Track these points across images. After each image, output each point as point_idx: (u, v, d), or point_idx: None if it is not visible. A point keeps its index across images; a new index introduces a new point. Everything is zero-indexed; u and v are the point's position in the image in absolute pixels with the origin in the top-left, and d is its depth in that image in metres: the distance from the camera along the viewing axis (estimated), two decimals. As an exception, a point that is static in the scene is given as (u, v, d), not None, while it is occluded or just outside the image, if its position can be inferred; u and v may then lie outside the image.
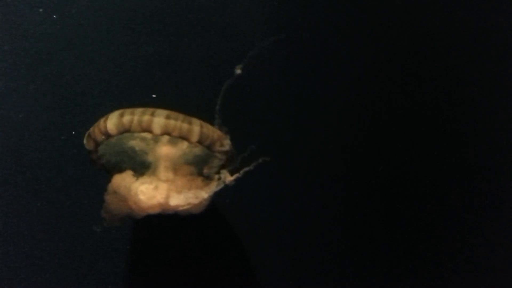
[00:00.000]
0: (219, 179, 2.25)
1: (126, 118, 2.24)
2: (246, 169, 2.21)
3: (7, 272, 2.33)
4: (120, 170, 2.55)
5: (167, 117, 2.23)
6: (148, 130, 2.23)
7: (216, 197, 2.19)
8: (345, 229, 2.28)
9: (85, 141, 2.40)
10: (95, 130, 2.32)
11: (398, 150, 2.30)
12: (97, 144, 2.37)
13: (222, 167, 2.35)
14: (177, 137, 2.26)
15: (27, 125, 2.41)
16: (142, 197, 2.28)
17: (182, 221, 2.24)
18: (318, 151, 2.36)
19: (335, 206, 2.30)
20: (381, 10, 2.44)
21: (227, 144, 2.33)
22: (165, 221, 2.27)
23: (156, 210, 2.27)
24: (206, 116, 2.40)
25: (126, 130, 2.25)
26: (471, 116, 2.29)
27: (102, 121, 2.31)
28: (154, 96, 2.41)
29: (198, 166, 2.45)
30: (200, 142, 2.28)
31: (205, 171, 2.31)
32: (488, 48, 2.31)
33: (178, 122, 2.24)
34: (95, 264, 2.34)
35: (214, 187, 2.23)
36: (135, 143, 2.44)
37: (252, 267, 2.30)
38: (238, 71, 2.35)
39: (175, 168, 2.37)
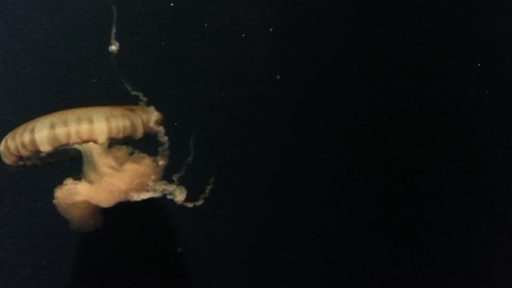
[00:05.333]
0: (174, 190, 2.16)
1: (61, 131, 1.94)
2: (204, 195, 2.18)
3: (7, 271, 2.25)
4: (52, 156, 2.26)
5: (108, 121, 1.99)
6: (91, 140, 1.98)
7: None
8: (342, 230, 2.30)
9: (2, 156, 2.06)
10: (19, 147, 1.98)
11: (396, 151, 2.29)
12: (21, 158, 2.06)
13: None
14: (122, 138, 2.07)
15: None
16: (96, 201, 2.12)
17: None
18: (314, 152, 2.30)
19: (334, 207, 2.31)
20: (381, 10, 2.28)
21: (159, 118, 2.20)
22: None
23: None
24: (206, 117, 2.26)
25: (63, 145, 1.97)
26: (471, 116, 2.30)
27: (26, 134, 1.96)
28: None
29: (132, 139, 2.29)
30: (145, 132, 2.11)
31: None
32: (488, 48, 2.26)
33: (120, 122, 2.02)
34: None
35: (167, 190, 2.15)
36: None
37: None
38: (113, 48, 2.16)
39: (114, 155, 2.19)
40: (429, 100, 2.30)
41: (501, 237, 2.32)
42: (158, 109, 2.15)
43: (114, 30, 2.16)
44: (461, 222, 2.29)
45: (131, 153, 2.21)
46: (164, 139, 2.17)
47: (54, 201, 2.11)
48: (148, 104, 2.17)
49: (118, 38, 2.16)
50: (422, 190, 2.30)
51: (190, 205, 2.16)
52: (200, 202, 2.16)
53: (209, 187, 2.19)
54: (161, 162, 2.17)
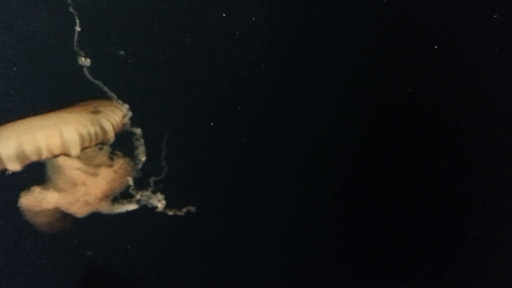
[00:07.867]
0: (153, 198, 2.07)
1: (29, 149, 1.80)
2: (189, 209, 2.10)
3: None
4: None
5: (79, 132, 1.85)
6: (63, 154, 1.85)
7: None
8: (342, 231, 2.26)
9: None
10: None
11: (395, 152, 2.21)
12: None
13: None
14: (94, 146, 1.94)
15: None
16: (70, 210, 2.03)
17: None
18: (314, 152, 2.20)
19: (333, 207, 2.24)
20: (381, 10, 2.20)
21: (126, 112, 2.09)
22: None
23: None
24: (205, 117, 2.16)
25: (33, 162, 1.84)
26: (471, 116, 2.24)
27: None
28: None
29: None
30: (116, 134, 2.00)
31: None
32: (488, 48, 2.13)
33: (91, 130, 1.89)
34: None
35: (145, 199, 2.07)
36: None
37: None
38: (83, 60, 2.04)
39: (83, 157, 2.07)
40: (429, 100, 2.28)
41: (501, 237, 2.32)
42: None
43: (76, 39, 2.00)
44: (461, 222, 2.32)
45: (101, 148, 2.09)
46: (141, 142, 2.07)
47: (19, 206, 2.00)
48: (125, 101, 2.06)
49: (117, 38, 2.11)
50: (422, 190, 2.30)
51: (170, 212, 2.10)
52: (181, 213, 2.11)
53: (191, 208, 2.14)
54: (143, 158, 2.07)
